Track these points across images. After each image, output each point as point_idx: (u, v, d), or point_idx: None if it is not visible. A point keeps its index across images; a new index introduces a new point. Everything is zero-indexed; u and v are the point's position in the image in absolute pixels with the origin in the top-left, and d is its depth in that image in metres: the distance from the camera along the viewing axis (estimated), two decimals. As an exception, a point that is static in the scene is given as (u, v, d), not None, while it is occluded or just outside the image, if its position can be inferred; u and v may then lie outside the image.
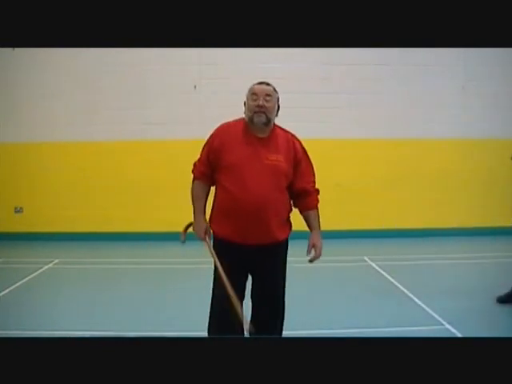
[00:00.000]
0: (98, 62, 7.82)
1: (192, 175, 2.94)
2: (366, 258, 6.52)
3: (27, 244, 7.57)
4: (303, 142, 2.93)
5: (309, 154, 2.94)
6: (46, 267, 6.20)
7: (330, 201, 8.20)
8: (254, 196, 2.68)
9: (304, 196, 2.90)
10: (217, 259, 2.77)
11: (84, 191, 7.91)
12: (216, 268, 2.79)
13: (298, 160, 2.85)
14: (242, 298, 2.81)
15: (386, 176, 8.05)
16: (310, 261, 2.88)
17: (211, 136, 2.88)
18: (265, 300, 2.88)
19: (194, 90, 7.65)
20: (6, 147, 7.92)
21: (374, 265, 6.21)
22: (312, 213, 2.92)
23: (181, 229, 2.96)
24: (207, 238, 2.88)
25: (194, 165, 2.93)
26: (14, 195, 7.98)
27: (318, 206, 2.94)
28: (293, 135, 2.93)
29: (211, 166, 2.83)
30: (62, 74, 7.91)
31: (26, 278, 5.61)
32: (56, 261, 6.51)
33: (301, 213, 2.95)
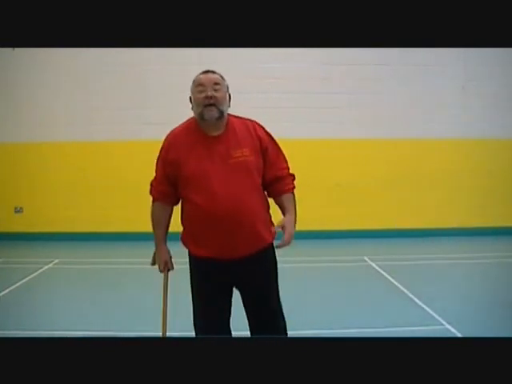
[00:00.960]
0: (97, 62, 7.82)
1: (151, 197, 2.62)
2: (366, 258, 6.52)
3: (27, 244, 7.57)
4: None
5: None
6: (46, 267, 6.20)
7: (330, 201, 8.29)
8: (225, 202, 2.35)
9: (277, 182, 2.55)
10: (166, 296, 2.61)
11: (84, 191, 7.91)
12: (193, 296, 2.56)
13: (265, 147, 2.49)
14: (229, 317, 2.60)
15: (386, 176, 8.06)
16: (278, 247, 2.49)
17: (162, 148, 2.54)
18: (261, 314, 2.61)
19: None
20: (6, 147, 7.92)
21: (374, 265, 6.20)
22: (286, 196, 2.55)
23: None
24: (166, 272, 2.62)
25: (151, 184, 2.60)
26: (13, 195, 7.98)
27: (295, 191, 2.60)
28: (252, 121, 2.58)
29: (170, 182, 2.49)
30: (61, 74, 7.92)
31: (26, 278, 5.61)
32: (56, 261, 6.51)
33: (275, 200, 2.59)
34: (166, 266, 2.61)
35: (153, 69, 7.84)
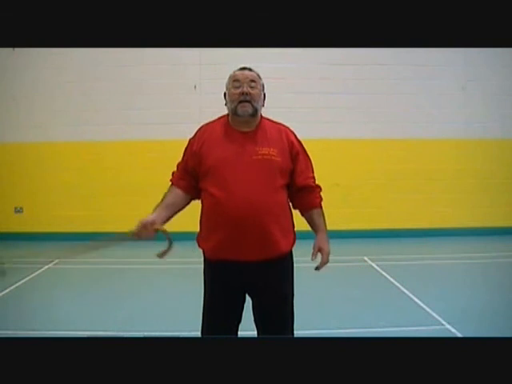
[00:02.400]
0: (97, 62, 7.82)
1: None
2: (366, 258, 6.52)
3: (27, 244, 7.57)
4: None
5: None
6: (46, 267, 6.20)
7: (328, 201, 8.25)
8: (240, 199, 2.27)
9: (305, 193, 2.47)
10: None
11: (84, 191, 7.91)
12: (204, 297, 2.46)
13: (295, 153, 2.44)
14: (239, 321, 2.48)
15: (386, 176, 8.06)
16: (317, 268, 2.47)
17: (190, 141, 2.49)
18: (268, 329, 2.44)
19: (194, 90, 7.67)
20: (6, 147, 7.93)
21: (374, 265, 6.20)
22: (316, 212, 2.49)
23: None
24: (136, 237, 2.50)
25: (172, 174, 2.55)
26: (13, 195, 7.99)
27: (322, 204, 2.54)
28: (285, 126, 2.53)
29: (191, 175, 2.44)
30: (61, 74, 7.92)
31: (26, 278, 5.61)
32: (56, 261, 6.51)
33: (302, 214, 2.53)
34: (142, 230, 2.47)
35: (153, 69, 7.84)
